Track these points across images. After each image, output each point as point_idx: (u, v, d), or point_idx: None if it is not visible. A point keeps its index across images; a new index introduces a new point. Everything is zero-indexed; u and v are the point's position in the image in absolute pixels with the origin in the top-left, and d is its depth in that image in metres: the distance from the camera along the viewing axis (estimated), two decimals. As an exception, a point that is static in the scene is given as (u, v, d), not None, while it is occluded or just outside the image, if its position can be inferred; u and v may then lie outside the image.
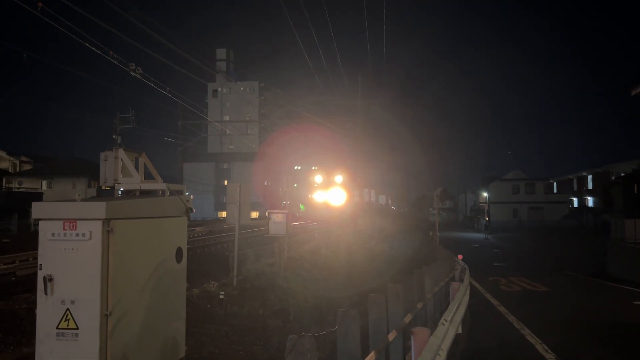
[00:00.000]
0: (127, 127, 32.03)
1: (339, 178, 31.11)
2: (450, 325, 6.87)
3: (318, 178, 40.81)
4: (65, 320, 3.83)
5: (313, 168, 46.41)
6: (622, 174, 40.07)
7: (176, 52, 16.77)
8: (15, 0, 10.35)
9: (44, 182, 49.26)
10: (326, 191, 32.76)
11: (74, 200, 4.01)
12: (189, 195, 5.39)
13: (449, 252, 18.17)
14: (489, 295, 13.97)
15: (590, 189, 58.17)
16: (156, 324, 4.43)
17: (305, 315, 8.84)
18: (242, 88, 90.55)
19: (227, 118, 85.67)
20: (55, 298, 3.85)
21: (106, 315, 3.82)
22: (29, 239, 18.86)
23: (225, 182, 68.98)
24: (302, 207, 51.49)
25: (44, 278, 3.85)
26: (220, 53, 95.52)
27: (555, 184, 67.10)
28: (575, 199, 63.67)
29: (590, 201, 58.29)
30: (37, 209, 3.99)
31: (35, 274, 4.09)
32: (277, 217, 13.20)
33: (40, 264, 3.90)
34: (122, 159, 5.15)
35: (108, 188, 5.35)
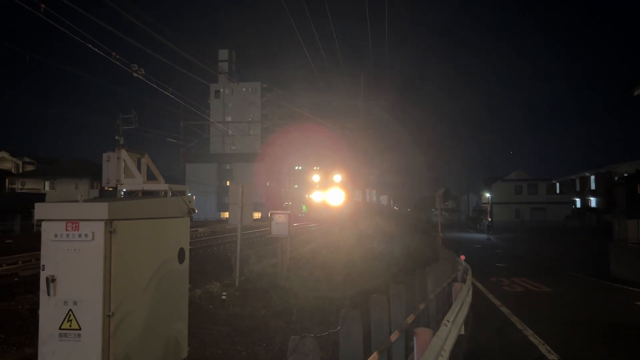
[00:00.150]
0: (129, 128, 32.14)
1: (340, 178, 31.13)
2: (453, 326, 6.86)
3: (317, 178, 40.81)
4: (68, 320, 3.83)
5: (315, 168, 46.39)
6: (625, 175, 39.98)
7: (178, 53, 16.79)
8: (18, 1, 10.39)
9: (47, 183, 49.45)
10: (327, 192, 32.76)
11: (77, 201, 4.02)
12: (191, 196, 5.39)
13: (451, 253, 18.15)
14: (491, 295, 13.95)
15: (593, 190, 58.02)
16: (158, 325, 4.43)
17: (308, 315, 8.84)
18: (244, 89, 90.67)
19: (229, 119, 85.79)
20: (58, 299, 3.86)
21: (108, 316, 3.83)
22: (31, 240, 18.91)
23: (228, 183, 69.05)
24: (304, 207, 51.51)
25: (47, 279, 3.86)
26: (223, 54, 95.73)
27: (557, 184, 66.99)
28: (577, 200, 63.51)
29: (593, 202, 58.13)
30: (40, 210, 4.00)
31: (37, 275, 4.10)
32: (280, 217, 13.20)
33: (43, 265, 3.91)
34: (124, 160, 5.16)
35: (110, 189, 5.36)
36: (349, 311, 4.72)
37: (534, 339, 8.85)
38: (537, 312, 11.60)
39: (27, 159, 56.54)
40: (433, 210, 54.51)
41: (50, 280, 3.85)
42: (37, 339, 3.97)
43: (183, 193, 5.10)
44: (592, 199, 58.52)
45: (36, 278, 4.54)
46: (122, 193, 5.31)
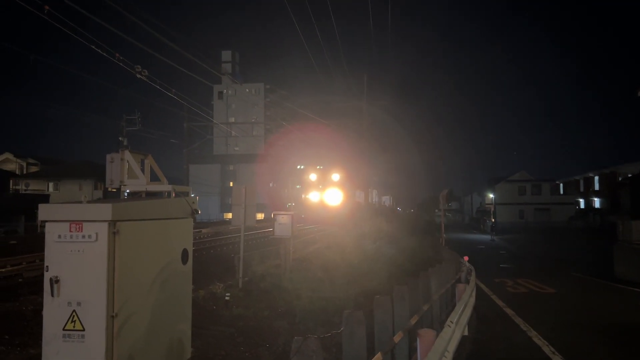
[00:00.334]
0: (133, 129, 32.19)
1: (339, 178, 31.10)
2: (457, 327, 6.84)
3: (316, 177, 40.77)
4: (72, 321, 3.84)
5: (318, 167, 46.40)
6: (629, 175, 39.83)
7: (182, 54, 16.83)
8: (22, 3, 10.43)
9: (51, 184, 49.55)
10: (329, 192, 32.74)
11: (80, 202, 4.03)
12: (195, 196, 5.40)
13: (454, 254, 18.11)
14: (495, 296, 13.91)
15: (597, 190, 57.85)
16: (162, 326, 4.43)
17: (311, 316, 8.82)
18: (247, 90, 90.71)
19: (232, 120, 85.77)
20: (62, 299, 3.86)
21: (112, 316, 3.83)
22: (35, 241, 18.97)
23: (231, 184, 69.20)
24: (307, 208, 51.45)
25: (51, 280, 3.86)
26: (226, 55, 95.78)
27: (561, 185, 66.81)
28: (581, 200, 63.33)
29: (597, 202, 57.96)
30: (44, 211, 4.01)
31: (41, 276, 4.11)
32: (283, 218, 13.21)
33: (47, 266, 3.92)
34: (128, 161, 5.17)
35: (114, 190, 5.37)
36: (352, 312, 4.71)
37: (538, 340, 8.82)
38: (541, 313, 11.56)
39: (31, 160, 56.69)
40: (436, 211, 54.39)
41: (54, 281, 3.85)
42: (41, 339, 3.98)
43: (186, 194, 5.11)
44: (596, 199, 58.35)
45: (40, 279, 4.55)
46: (126, 194, 5.32)
